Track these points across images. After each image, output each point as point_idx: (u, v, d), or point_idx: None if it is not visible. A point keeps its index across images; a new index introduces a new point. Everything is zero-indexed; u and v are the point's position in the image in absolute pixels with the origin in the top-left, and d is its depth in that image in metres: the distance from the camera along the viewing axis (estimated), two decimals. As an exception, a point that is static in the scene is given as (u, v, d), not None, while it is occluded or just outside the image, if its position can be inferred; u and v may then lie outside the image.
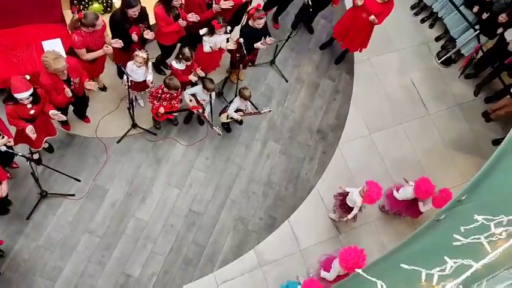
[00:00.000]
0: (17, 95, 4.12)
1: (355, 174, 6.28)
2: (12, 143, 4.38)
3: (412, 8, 7.69)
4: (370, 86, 6.96)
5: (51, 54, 4.27)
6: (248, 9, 5.57)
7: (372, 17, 5.82)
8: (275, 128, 6.35)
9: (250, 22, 5.37)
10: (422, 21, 7.64)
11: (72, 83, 4.55)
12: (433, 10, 7.41)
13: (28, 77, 4.32)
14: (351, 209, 5.35)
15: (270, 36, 5.59)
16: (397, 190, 5.63)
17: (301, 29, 6.84)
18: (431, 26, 7.62)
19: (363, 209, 5.42)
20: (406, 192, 5.50)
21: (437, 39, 7.56)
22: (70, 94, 4.57)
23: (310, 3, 5.77)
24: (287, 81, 6.66)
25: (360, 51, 6.60)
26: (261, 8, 5.46)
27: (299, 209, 5.99)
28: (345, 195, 5.45)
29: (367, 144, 6.59)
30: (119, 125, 5.72)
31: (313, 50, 6.97)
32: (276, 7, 6.64)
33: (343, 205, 5.49)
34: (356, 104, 6.80)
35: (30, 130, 4.31)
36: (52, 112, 4.44)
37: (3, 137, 4.22)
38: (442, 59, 7.37)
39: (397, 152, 6.62)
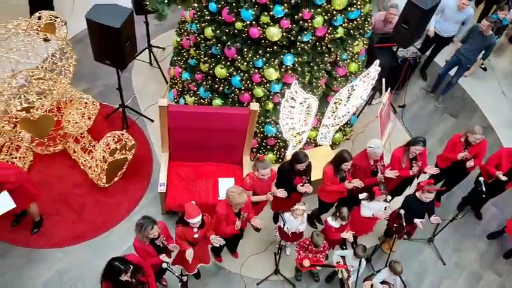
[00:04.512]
0: (189, 220, 4.56)
1: None
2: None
3: None
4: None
5: (237, 189, 4.73)
6: (418, 181, 5.53)
7: None
8: (425, 314, 5.68)
9: (417, 194, 5.29)
10: None
11: (241, 216, 4.92)
12: None
13: (193, 202, 4.74)
14: None
15: (434, 213, 5.37)
16: None
17: (468, 212, 6.44)
18: None
19: None
20: None
21: None
22: (239, 227, 4.90)
23: (484, 189, 5.51)
24: (444, 264, 6.10)
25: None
26: (433, 183, 5.37)
27: None
28: None
29: None
30: (263, 267, 5.82)
31: (479, 237, 6.39)
32: (441, 185, 6.47)
33: None
34: (531, 310, 5.77)
35: (189, 253, 4.65)
36: (213, 236, 4.74)
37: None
38: None
39: None
